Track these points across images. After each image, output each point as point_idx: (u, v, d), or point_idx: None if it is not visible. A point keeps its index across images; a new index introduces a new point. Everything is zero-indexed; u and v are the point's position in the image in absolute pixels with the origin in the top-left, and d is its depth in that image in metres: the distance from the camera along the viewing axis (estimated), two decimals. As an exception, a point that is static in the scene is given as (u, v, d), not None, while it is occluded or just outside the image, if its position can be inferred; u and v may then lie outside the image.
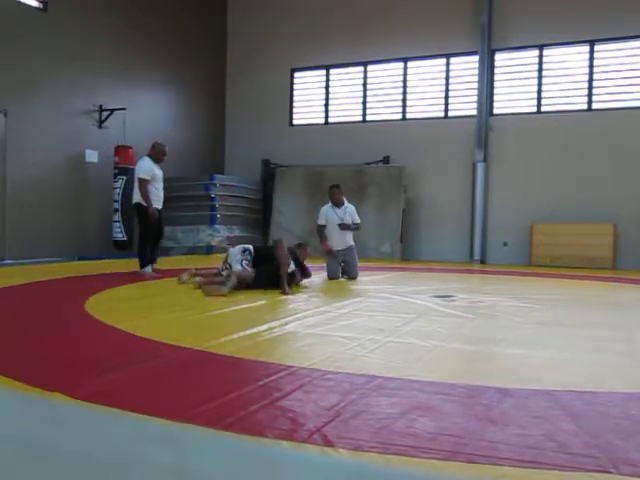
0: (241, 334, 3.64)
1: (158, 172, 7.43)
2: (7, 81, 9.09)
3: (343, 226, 7.61)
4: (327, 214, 7.68)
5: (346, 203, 7.77)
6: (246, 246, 6.49)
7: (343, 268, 7.68)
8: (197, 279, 6.21)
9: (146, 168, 7.30)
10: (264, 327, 3.91)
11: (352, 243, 7.74)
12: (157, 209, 7.38)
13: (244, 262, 6.15)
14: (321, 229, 7.70)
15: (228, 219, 12.22)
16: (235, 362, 2.99)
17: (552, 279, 8.36)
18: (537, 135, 11.45)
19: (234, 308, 4.79)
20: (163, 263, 8.36)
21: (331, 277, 7.50)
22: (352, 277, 7.56)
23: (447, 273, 9.03)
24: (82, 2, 10.33)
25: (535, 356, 3.29)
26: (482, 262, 11.65)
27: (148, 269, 7.37)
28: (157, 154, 7.43)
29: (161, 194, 7.53)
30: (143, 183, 7.23)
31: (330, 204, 7.75)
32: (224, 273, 6.13)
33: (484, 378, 2.79)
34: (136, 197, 7.37)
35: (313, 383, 2.58)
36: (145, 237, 7.42)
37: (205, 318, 4.33)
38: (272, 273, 5.98)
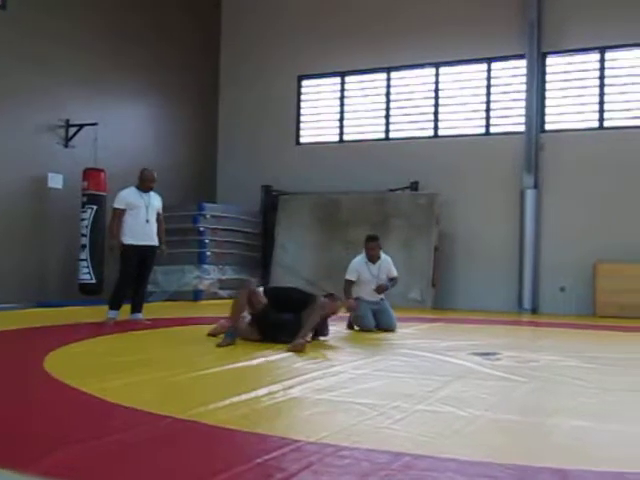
0: (235, 399, 3.63)
1: (138, 202, 7.73)
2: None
3: (380, 289, 7.71)
4: (359, 271, 7.79)
5: (382, 256, 7.85)
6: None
7: (377, 319, 7.71)
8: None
9: (120, 197, 7.81)
10: (264, 391, 3.90)
11: (383, 296, 7.88)
12: (133, 245, 7.67)
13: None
14: (349, 285, 7.78)
15: (220, 258, 12.27)
16: (227, 434, 2.97)
17: (621, 333, 8.29)
18: (600, 156, 11.48)
19: (228, 367, 4.77)
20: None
21: (364, 328, 7.54)
22: (390, 329, 7.63)
23: (490, 325, 8.98)
24: (48, -3, 10.61)
25: (601, 429, 3.26)
26: (534, 312, 11.57)
27: (111, 313, 7.61)
28: (142, 182, 7.86)
29: (146, 228, 7.78)
30: (113, 212, 7.87)
31: (364, 256, 7.85)
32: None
33: (537, 457, 2.76)
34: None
35: (324, 462, 2.56)
36: (120, 276, 7.84)
37: (191, 379, 4.32)
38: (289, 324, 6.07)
